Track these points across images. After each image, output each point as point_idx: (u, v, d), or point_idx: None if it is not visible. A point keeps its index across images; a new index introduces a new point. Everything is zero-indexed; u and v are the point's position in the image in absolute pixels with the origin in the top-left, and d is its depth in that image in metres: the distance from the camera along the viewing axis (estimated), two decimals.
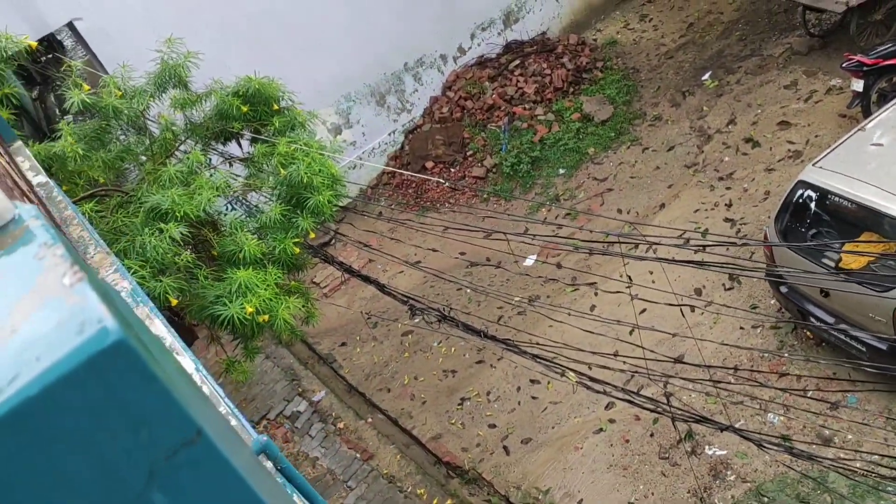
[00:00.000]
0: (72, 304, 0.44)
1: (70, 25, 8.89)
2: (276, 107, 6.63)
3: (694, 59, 11.89)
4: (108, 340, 0.42)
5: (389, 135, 11.92)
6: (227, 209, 6.61)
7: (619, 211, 9.95)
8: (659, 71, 11.96)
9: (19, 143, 3.66)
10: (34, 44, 6.06)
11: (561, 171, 11.00)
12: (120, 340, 0.42)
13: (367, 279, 6.73)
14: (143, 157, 6.44)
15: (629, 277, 6.85)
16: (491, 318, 8.75)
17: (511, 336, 7.06)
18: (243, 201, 6.91)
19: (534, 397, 8.31)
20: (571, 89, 11.93)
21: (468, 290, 9.37)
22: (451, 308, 7.67)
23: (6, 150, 3.34)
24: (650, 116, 11.29)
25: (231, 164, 6.84)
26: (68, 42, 10.03)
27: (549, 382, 8.21)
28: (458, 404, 8.55)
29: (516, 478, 7.68)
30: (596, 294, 8.76)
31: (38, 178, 3.31)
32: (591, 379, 5.92)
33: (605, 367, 6.18)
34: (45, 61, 8.82)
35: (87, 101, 5.78)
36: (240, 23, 9.97)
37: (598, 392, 6.19)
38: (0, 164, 2.45)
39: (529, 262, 9.65)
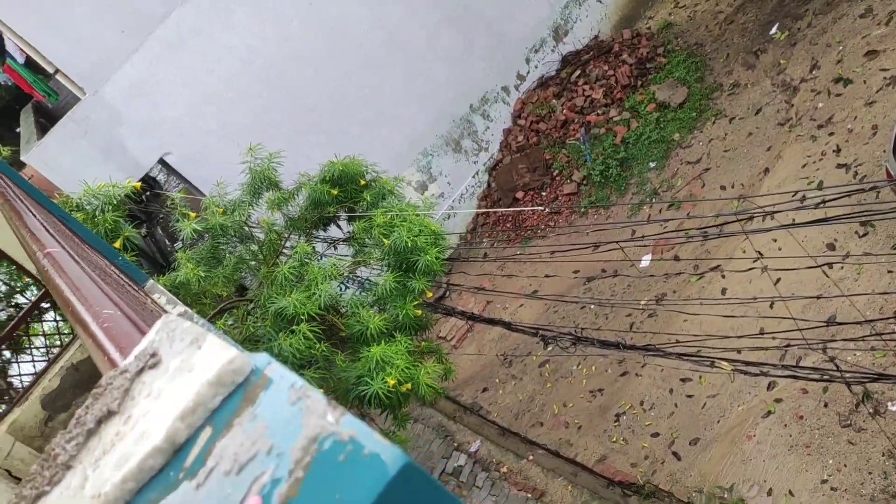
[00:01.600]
0: (347, 438, 0.47)
1: (161, 161, 9.50)
2: (363, 182, 6.82)
3: (756, 17, 11.52)
4: (398, 465, 0.44)
5: (473, 177, 12.05)
6: (341, 289, 6.81)
7: (723, 188, 9.64)
8: (723, 39, 11.65)
9: (151, 281, 3.88)
10: (138, 185, 6.49)
11: (651, 164, 10.79)
12: (407, 464, 0.44)
13: (490, 321, 6.75)
14: (253, 262, 6.74)
15: (759, 253, 6.60)
16: (622, 327, 8.58)
17: (648, 340, 6.90)
18: (354, 278, 7.10)
19: (689, 396, 8.05)
20: (639, 83, 11.76)
21: (592, 307, 9.24)
22: (581, 328, 7.58)
23: (143, 291, 3.61)
24: (727, 86, 10.97)
25: (335, 247, 7.07)
26: (161, 177, 10.70)
27: (700, 377, 7.95)
28: (615, 421, 8.37)
29: (695, 481, 7.42)
30: (723, 276, 8.47)
31: (178, 308, 3.52)
32: (745, 363, 5.70)
33: (757, 348, 5.94)
34: (145, 199, 9.45)
35: (198, 228, 6.10)
36: (306, 114, 10.40)
37: (755, 375, 5.95)
38: (149, 306, 2.69)
39: (645, 262, 9.45)
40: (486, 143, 12.13)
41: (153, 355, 0.71)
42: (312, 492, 0.45)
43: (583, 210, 10.89)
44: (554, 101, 12.10)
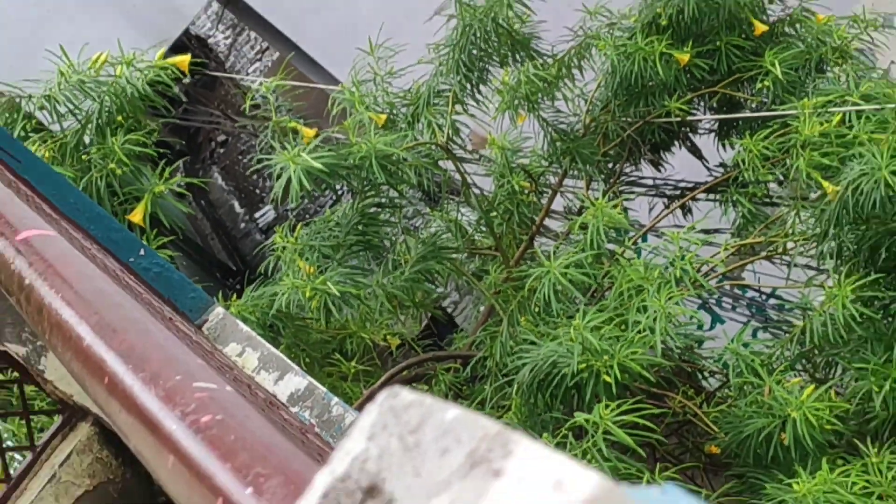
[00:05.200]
0: None
1: None
2: (759, 26, 2.74)
3: None
4: None
5: None
6: (705, 327, 2.77)
7: None
8: None
9: (218, 309, 1.31)
10: (187, 58, 2.58)
11: None
12: None
13: None
14: (467, 256, 2.81)
15: None
16: None
17: None
18: (739, 292, 3.05)
19: None
20: None
21: None
22: None
23: (199, 333, 1.23)
24: None
25: (686, 210, 2.94)
26: (219, 36, 5.78)
27: None
28: None
29: None
30: None
31: (289, 379, 1.12)
32: None
33: None
34: (186, 92, 4.48)
35: (319, 168, 2.32)
36: None
37: None
38: (218, 367, 0.90)
39: None
40: None
41: (371, 491, 0.31)
42: None
43: None
44: None
